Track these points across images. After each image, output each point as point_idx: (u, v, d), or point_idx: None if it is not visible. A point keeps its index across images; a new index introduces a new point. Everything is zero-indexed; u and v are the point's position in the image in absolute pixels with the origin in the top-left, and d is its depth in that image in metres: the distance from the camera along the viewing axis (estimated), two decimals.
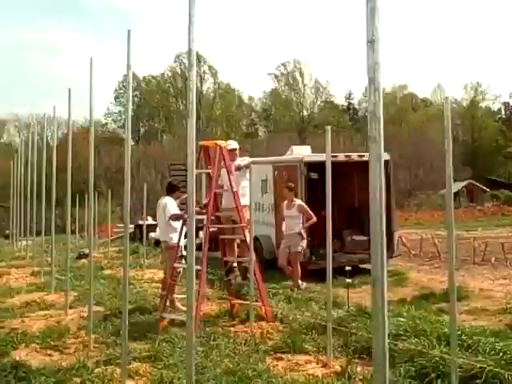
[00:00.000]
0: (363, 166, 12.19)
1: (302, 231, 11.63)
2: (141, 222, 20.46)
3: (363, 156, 13.00)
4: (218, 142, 8.72)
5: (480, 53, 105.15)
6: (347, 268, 9.59)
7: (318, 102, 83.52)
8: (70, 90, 9.09)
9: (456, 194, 63.15)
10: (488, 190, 63.09)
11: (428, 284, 11.62)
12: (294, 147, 14.52)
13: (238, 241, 9.29)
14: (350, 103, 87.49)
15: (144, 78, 76.76)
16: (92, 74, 7.49)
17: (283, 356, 6.98)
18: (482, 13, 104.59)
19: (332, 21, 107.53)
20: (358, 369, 6.31)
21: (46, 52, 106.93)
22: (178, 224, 9.40)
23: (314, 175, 12.32)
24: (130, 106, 6.13)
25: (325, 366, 6.61)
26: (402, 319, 7.63)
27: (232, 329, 8.32)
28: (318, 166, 12.54)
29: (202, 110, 78.14)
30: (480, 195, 62.66)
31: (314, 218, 11.53)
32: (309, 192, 12.35)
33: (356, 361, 6.64)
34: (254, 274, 8.62)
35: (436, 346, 6.39)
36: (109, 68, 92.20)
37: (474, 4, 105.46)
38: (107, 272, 13.92)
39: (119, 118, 75.74)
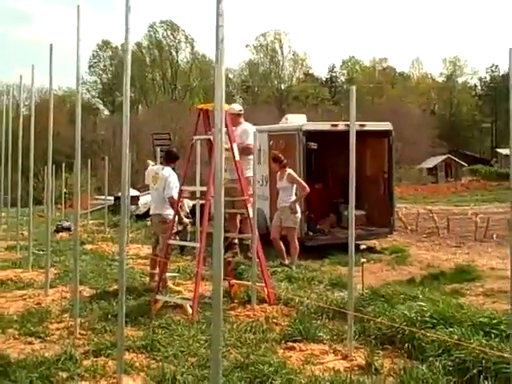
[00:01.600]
0: (363, 136, 11.28)
1: (293, 205, 10.60)
2: (119, 194, 19.61)
3: (364, 125, 12.20)
4: None
5: (458, 27, 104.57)
6: (362, 246, 8.84)
7: (297, 74, 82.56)
8: (51, 45, 8.17)
9: (434, 169, 63.18)
10: (466, 164, 63.07)
11: (433, 262, 10.95)
12: (289, 115, 13.70)
13: (239, 216, 8.49)
14: (332, 76, 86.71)
15: (122, 45, 74.71)
16: (79, 24, 6.52)
17: (295, 345, 6.21)
18: None
19: None
20: (384, 361, 5.59)
21: (17, 20, 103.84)
22: (176, 196, 8.57)
23: (314, 145, 11.50)
24: (129, 74, 5.14)
25: (345, 358, 5.86)
26: (421, 303, 6.89)
27: (232, 312, 7.54)
28: (317, 135, 11.80)
29: (179, 81, 76.86)
30: (458, 170, 62.62)
31: (307, 189, 10.60)
32: (307, 163, 11.54)
33: (379, 352, 5.90)
34: (257, 253, 7.82)
35: (472, 336, 5.65)
36: (83, 37, 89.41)
37: None
38: (88, 247, 13.02)
39: (94, 87, 74.11)
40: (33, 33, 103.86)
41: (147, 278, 9.49)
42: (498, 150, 63.26)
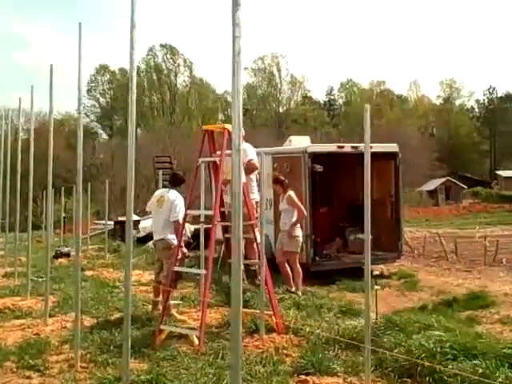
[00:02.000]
0: (372, 158, 10.97)
1: (291, 228, 10.23)
2: (121, 219, 19.24)
3: (371, 147, 11.91)
4: (226, 125, 7.57)
5: (455, 50, 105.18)
6: (376, 272, 8.54)
7: (295, 97, 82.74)
8: (51, 65, 7.96)
9: (434, 192, 62.97)
10: (466, 187, 62.92)
11: (443, 288, 10.64)
12: (292, 137, 13.44)
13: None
14: (330, 99, 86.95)
15: (119, 69, 74.94)
16: (81, 43, 6.29)
17: (308, 378, 5.88)
18: (457, 10, 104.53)
19: (309, 16, 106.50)
20: None
21: (14, 44, 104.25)
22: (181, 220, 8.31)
23: (319, 168, 11.23)
24: (134, 98, 4.91)
25: None
26: (439, 333, 6.57)
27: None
28: (323, 158, 11.53)
29: (177, 104, 76.95)
30: (458, 192, 62.39)
31: (304, 213, 10.27)
32: (313, 186, 11.26)
33: None
34: (265, 279, 7.51)
35: (497, 369, 5.34)
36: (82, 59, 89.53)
37: (450, 2, 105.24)
38: (88, 273, 12.66)
39: (92, 111, 74.11)
40: (31, 58, 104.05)
41: (149, 306, 9.14)
42: (498, 172, 63.15)
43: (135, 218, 19.93)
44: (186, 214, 7.74)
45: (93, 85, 72.93)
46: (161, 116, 75.35)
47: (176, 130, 62.95)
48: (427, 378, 5.51)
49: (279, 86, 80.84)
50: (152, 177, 18.71)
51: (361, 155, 12.17)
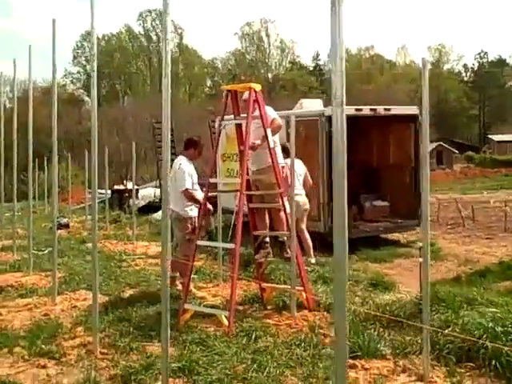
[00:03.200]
0: (388, 121, 10.20)
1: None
2: (117, 187, 18.54)
3: (389, 109, 11.31)
4: (252, 84, 6.86)
5: (444, 14, 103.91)
6: (419, 244, 7.92)
7: (284, 63, 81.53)
8: (29, 46, 7.53)
9: None
10: (457, 151, 62.63)
11: (469, 256, 10.09)
12: (303, 100, 12.76)
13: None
14: (317, 64, 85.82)
15: (104, 36, 73.25)
16: None
17: (356, 363, 5.30)
18: None
19: None
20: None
21: None
22: (198, 193, 7.63)
23: None
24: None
25: (421, 378, 4.95)
26: (493, 309, 6.00)
27: (270, 321, 6.62)
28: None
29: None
30: (449, 157, 62.07)
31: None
32: (330, 151, 10.58)
33: (459, 371, 5.01)
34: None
35: None
36: (65, 28, 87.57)
37: None
38: (91, 245, 11.96)
39: (78, 78, 72.59)
40: (13, 24, 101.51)
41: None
42: (490, 137, 62.78)
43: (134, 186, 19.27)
44: (209, 183, 7.04)
45: (78, 51, 71.37)
46: (148, 83, 74.01)
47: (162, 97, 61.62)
48: (493, 362, 4.93)
49: (268, 51, 79.57)
50: (153, 144, 17.84)
51: (379, 118, 11.70)
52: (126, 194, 17.50)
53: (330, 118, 10.47)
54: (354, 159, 12.33)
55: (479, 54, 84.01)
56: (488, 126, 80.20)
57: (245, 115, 6.85)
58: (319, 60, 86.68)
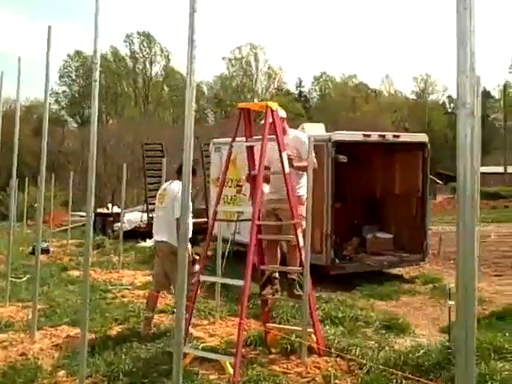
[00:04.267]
0: (395, 149, 9.52)
1: None
2: (101, 211, 17.71)
3: (398, 136, 10.73)
4: (270, 103, 6.20)
5: (429, 45, 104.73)
6: (451, 285, 7.22)
7: (271, 89, 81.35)
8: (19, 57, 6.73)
9: None
10: (440, 182, 62.49)
11: (481, 295, 9.38)
12: (305, 124, 12.14)
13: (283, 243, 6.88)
14: (300, 91, 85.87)
15: (87, 56, 72.46)
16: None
17: None
18: (427, 7, 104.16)
19: (286, 8, 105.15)
20: None
21: None
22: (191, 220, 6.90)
23: (343, 158, 9.88)
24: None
25: None
26: None
27: (277, 368, 5.87)
28: (347, 147, 10.18)
29: (151, 94, 75.02)
30: (433, 188, 61.75)
31: None
32: (336, 179, 9.89)
33: None
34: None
35: None
36: (54, 47, 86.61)
37: None
38: (74, 274, 11.15)
39: (63, 98, 71.77)
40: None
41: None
42: None
43: (118, 210, 18.46)
44: (215, 212, 6.34)
45: (65, 71, 70.56)
46: (133, 105, 73.33)
47: (149, 119, 61.05)
48: None
49: (255, 76, 79.40)
50: (142, 166, 17.02)
51: (388, 145, 11.11)
52: (111, 218, 16.70)
53: (336, 144, 9.85)
54: (357, 188, 11.77)
55: None
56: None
57: (258, 137, 6.20)
58: (303, 87, 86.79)
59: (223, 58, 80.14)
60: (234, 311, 7.98)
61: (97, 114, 5.36)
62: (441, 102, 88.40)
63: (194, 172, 7.39)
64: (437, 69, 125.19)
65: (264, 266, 6.52)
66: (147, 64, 73.81)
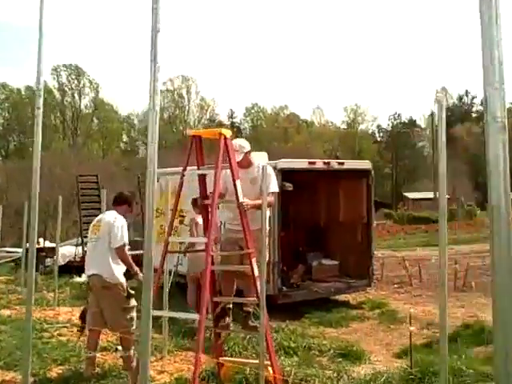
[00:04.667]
0: (340, 176, 9.46)
1: None
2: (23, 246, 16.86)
3: (343, 163, 10.68)
4: (223, 130, 5.96)
5: (359, 76, 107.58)
6: (412, 310, 7.10)
7: (203, 120, 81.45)
8: None
9: None
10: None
11: (429, 319, 9.35)
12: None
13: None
14: (232, 122, 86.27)
15: (17, 89, 70.80)
16: None
17: None
18: (357, 33, 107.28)
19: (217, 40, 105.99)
20: None
21: None
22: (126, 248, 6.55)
23: (289, 186, 9.69)
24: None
25: None
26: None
27: None
28: (292, 175, 10.01)
29: (80, 126, 73.70)
30: None
31: None
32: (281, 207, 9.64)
33: None
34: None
35: None
36: None
37: (350, 26, 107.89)
38: (5, 313, 10.43)
39: None
40: None
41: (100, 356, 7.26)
42: (406, 194, 64.23)
43: (50, 245, 17.67)
44: (167, 243, 5.97)
45: None
46: (61, 138, 71.72)
47: (78, 152, 59.68)
48: None
49: (187, 107, 79.34)
50: (77, 199, 16.34)
51: (332, 172, 11.02)
52: (43, 253, 15.93)
53: (282, 172, 9.64)
54: (298, 216, 11.61)
55: (393, 115, 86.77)
56: (400, 184, 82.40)
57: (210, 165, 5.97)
58: (235, 118, 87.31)
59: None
60: (182, 345, 7.61)
61: (40, 142, 4.95)
62: (370, 131, 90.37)
63: (129, 203, 7.07)
64: (366, 99, 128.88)
65: (219, 298, 6.19)
66: (76, 96, 72.60)
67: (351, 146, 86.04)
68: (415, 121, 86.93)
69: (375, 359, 7.10)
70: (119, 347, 7.70)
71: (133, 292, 6.58)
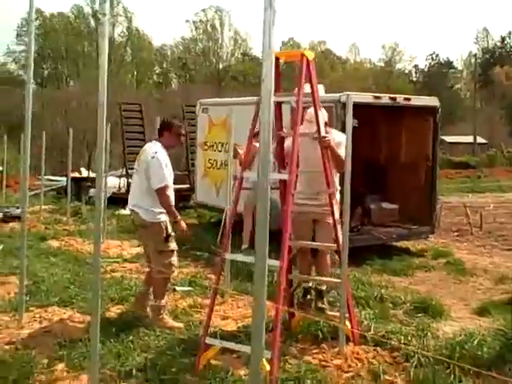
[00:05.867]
0: (404, 113, 8.71)
1: None
2: (73, 175, 16.53)
3: (409, 99, 9.91)
4: (306, 51, 5.26)
5: (397, 14, 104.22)
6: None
7: (236, 54, 79.78)
8: None
9: None
10: None
11: (504, 272, 8.78)
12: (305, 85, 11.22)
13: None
14: None
15: (51, 15, 69.75)
16: None
17: None
18: None
19: None
20: None
21: None
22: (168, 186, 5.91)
23: (355, 122, 8.98)
24: None
25: None
26: None
27: (312, 359, 5.08)
28: (357, 110, 9.28)
29: (113, 55, 72.75)
30: None
31: None
32: None
33: None
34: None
35: None
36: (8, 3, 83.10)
37: None
38: (53, 244, 10.09)
39: (21, 57, 68.92)
40: None
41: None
42: (443, 138, 62.76)
43: (93, 175, 17.30)
44: (241, 178, 5.34)
45: (24, 29, 67.63)
46: (94, 66, 70.89)
47: (110, 83, 58.88)
48: None
49: (220, 40, 77.61)
50: (120, 128, 15.76)
51: (398, 108, 10.30)
52: (89, 183, 15.58)
53: (345, 106, 8.94)
54: (361, 154, 10.89)
55: (431, 55, 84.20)
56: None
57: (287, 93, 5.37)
58: None
59: (187, 21, 78.09)
60: (242, 289, 7.16)
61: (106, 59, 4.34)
62: (407, 71, 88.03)
63: (169, 127, 6.25)
64: (404, 38, 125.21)
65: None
66: (109, 25, 71.38)
67: (386, 85, 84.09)
68: (452, 62, 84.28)
69: (456, 316, 6.57)
70: (177, 287, 7.33)
71: (173, 233, 6.00)
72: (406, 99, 9.84)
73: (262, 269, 2.84)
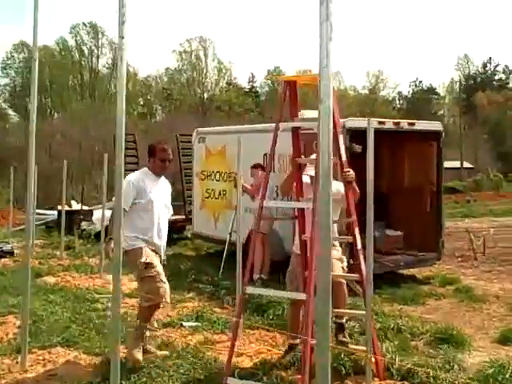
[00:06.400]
0: (408, 138, 8.57)
1: None
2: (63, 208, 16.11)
3: (413, 124, 9.76)
4: None
5: (382, 42, 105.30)
6: None
7: (221, 84, 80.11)
8: None
9: None
10: None
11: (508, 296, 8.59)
12: (305, 111, 11.01)
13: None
14: (252, 86, 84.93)
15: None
16: None
17: None
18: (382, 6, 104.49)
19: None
20: None
21: None
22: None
23: (359, 148, 8.79)
24: None
25: None
26: None
27: None
28: (360, 136, 9.11)
29: (97, 88, 72.66)
30: None
31: None
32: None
33: None
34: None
35: None
36: None
37: None
38: (50, 280, 9.70)
39: (4, 90, 68.77)
40: None
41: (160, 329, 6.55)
42: None
43: (85, 208, 17.03)
44: (261, 207, 5.09)
45: (9, 62, 67.53)
46: (80, 99, 70.68)
47: (95, 114, 58.54)
48: None
49: (205, 71, 77.91)
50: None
51: (399, 134, 10.12)
52: (81, 216, 15.22)
53: (350, 132, 8.78)
54: (363, 181, 10.66)
55: (414, 81, 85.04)
56: None
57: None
58: (255, 82, 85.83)
59: (173, 51, 78.43)
60: (254, 323, 6.86)
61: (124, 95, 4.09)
62: (390, 98, 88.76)
63: (152, 152, 5.95)
64: (387, 66, 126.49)
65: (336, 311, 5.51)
66: (93, 57, 71.49)
67: (371, 112, 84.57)
68: (435, 88, 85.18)
69: (476, 345, 6.31)
70: (184, 323, 7.05)
71: (149, 261, 5.68)
72: (409, 124, 9.70)
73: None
